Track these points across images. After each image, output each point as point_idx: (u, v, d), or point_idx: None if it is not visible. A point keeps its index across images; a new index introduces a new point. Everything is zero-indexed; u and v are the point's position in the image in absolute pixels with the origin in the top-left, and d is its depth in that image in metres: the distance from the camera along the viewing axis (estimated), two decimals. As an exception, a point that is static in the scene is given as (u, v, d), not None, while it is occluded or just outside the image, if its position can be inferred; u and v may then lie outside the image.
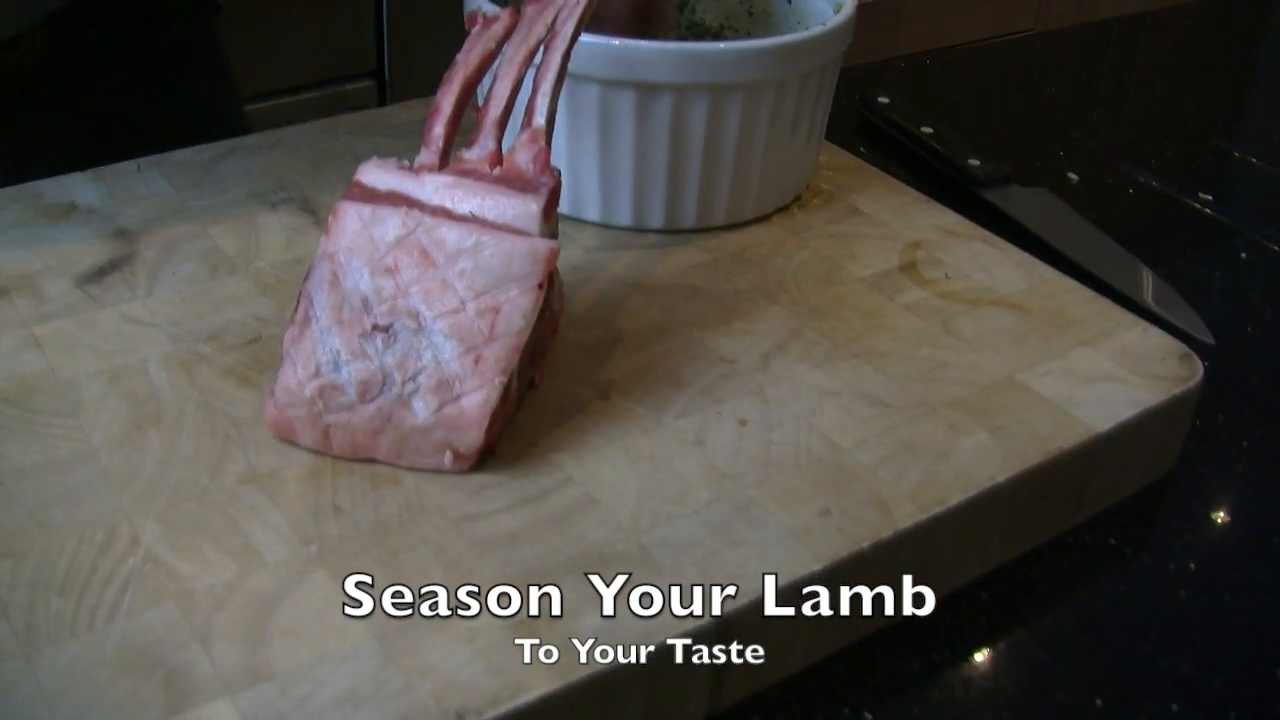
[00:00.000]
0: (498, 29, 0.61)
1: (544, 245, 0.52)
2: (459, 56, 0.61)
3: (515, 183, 0.55)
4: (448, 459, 0.51)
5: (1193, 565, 0.58)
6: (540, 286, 0.52)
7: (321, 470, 0.52)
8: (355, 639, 0.45)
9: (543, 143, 0.56)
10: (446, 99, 0.59)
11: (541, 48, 0.59)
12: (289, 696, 0.42)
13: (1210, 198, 0.88)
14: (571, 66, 0.63)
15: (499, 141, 0.57)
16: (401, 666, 0.44)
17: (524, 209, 0.53)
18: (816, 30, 0.67)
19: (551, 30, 0.59)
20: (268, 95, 1.63)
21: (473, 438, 0.51)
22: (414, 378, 0.51)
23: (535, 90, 0.58)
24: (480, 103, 0.59)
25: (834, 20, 0.69)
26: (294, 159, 0.75)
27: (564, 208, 0.70)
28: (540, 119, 0.57)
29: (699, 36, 0.78)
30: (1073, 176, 0.89)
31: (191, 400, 0.55)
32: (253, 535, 0.49)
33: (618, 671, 0.45)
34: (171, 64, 0.47)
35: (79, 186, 0.71)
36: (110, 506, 0.50)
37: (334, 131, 0.78)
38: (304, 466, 0.52)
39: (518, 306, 0.52)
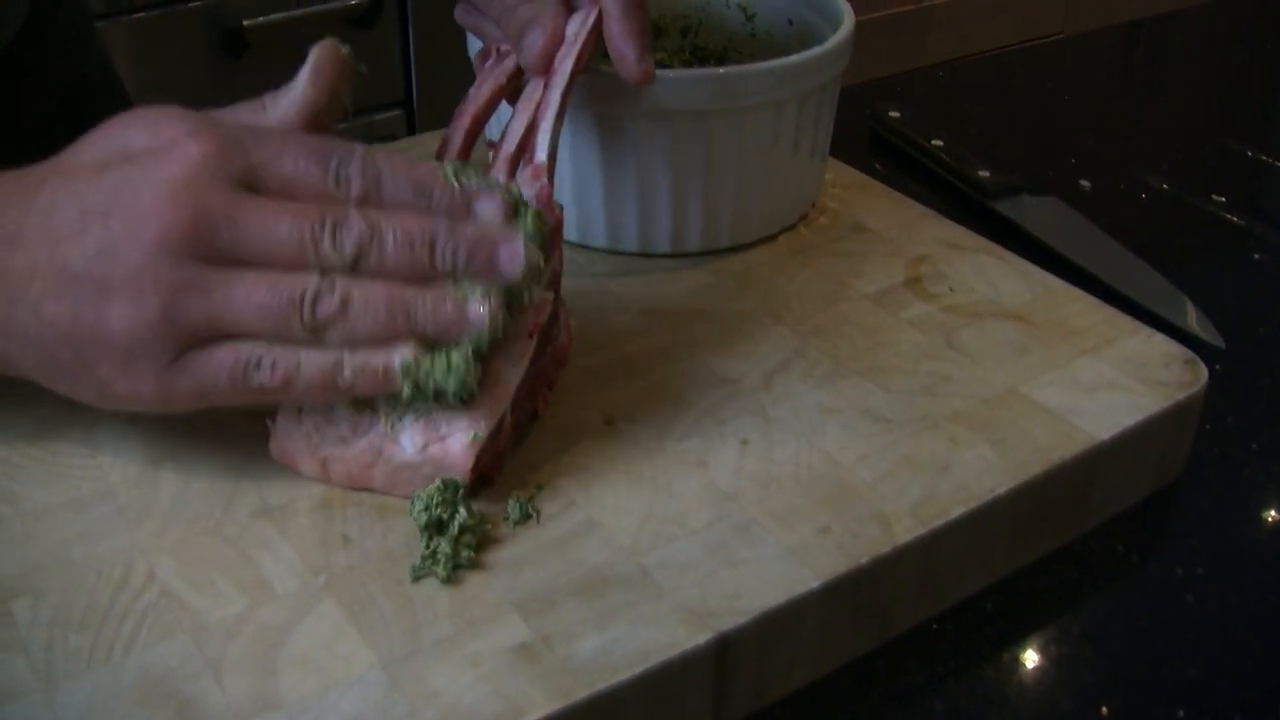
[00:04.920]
0: (509, 64, 0.63)
1: (534, 296, 0.53)
2: (470, 91, 0.62)
3: (516, 219, 0.56)
4: None
5: (1200, 570, 0.58)
6: (530, 335, 0.53)
7: (331, 502, 0.53)
8: (362, 667, 0.46)
9: (544, 179, 0.57)
10: (456, 133, 0.61)
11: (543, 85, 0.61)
12: (296, 724, 0.44)
13: (1223, 200, 0.88)
14: (574, 95, 0.64)
15: (511, 177, 0.58)
16: (406, 693, 0.45)
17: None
18: (814, 51, 0.68)
19: (550, 68, 0.61)
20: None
21: (458, 473, 0.52)
22: (401, 417, 0.52)
23: (535, 127, 0.59)
24: (495, 138, 0.60)
25: (831, 40, 0.70)
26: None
27: (572, 235, 0.71)
28: (541, 155, 0.58)
29: (702, 61, 0.79)
30: (1085, 184, 0.89)
31: (206, 438, 0.57)
32: (264, 567, 0.50)
33: (618, 692, 0.46)
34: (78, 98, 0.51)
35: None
36: (127, 543, 0.51)
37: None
38: (314, 499, 0.53)
39: (507, 353, 0.53)
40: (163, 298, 0.48)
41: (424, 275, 0.50)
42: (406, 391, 0.50)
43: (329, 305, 0.49)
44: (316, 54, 0.54)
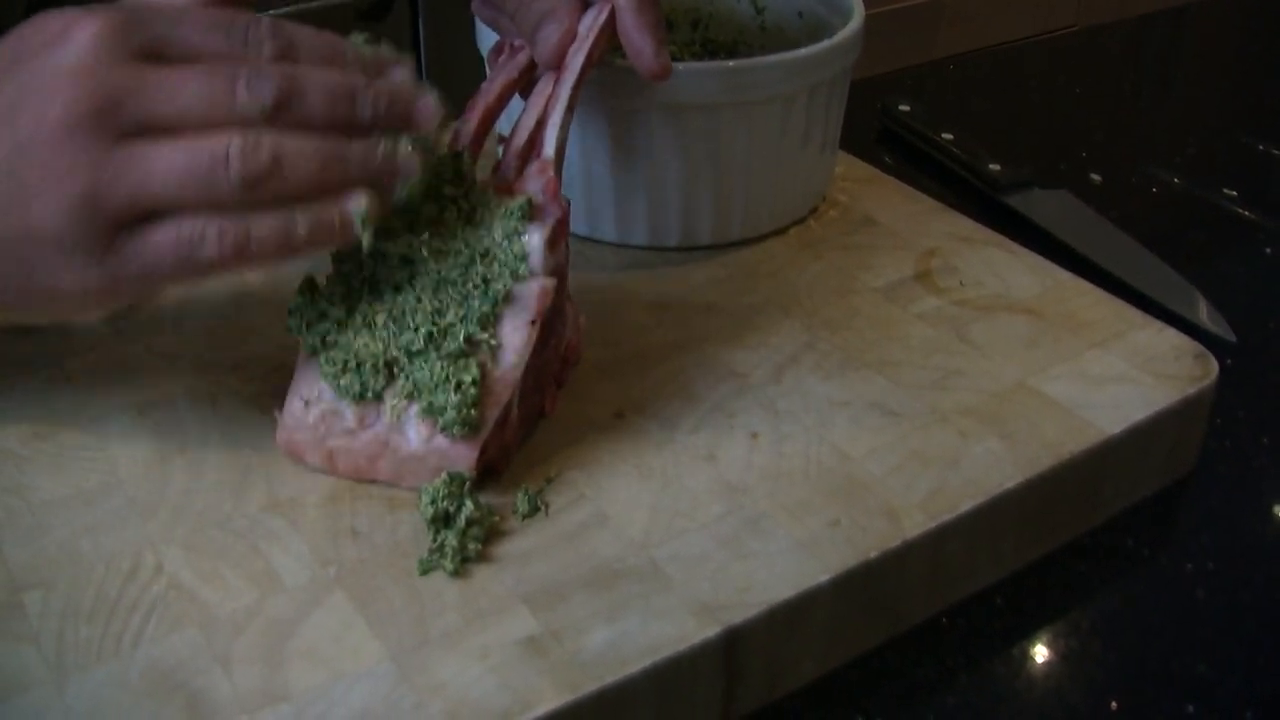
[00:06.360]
0: (522, 58, 0.62)
1: (536, 283, 0.53)
2: (482, 85, 0.62)
3: (523, 213, 0.56)
4: None
5: (1211, 565, 0.58)
6: (533, 323, 0.53)
7: (340, 495, 0.53)
8: (370, 659, 0.46)
9: (551, 173, 0.57)
10: (467, 127, 0.60)
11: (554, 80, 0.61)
12: (305, 716, 0.44)
13: (1235, 194, 0.87)
14: (584, 89, 0.64)
15: (520, 172, 0.58)
16: (414, 685, 0.45)
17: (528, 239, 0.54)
18: (824, 44, 0.68)
19: (561, 63, 0.61)
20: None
21: (464, 466, 0.52)
22: (408, 408, 0.52)
23: (544, 122, 0.59)
24: (506, 132, 0.60)
25: (841, 33, 0.69)
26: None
27: (581, 229, 0.71)
28: (549, 150, 0.58)
29: (713, 54, 0.79)
30: (1096, 177, 0.89)
31: (216, 430, 0.57)
32: (273, 560, 0.50)
33: (628, 685, 0.46)
34: None
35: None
36: (136, 535, 0.51)
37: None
38: (323, 492, 0.54)
39: (510, 344, 0.53)
40: (80, 182, 0.46)
41: (344, 128, 0.50)
42: (366, 241, 0.50)
43: (259, 159, 0.47)
44: None
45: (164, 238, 0.48)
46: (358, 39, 0.53)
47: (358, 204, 0.49)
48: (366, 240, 0.50)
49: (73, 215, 0.47)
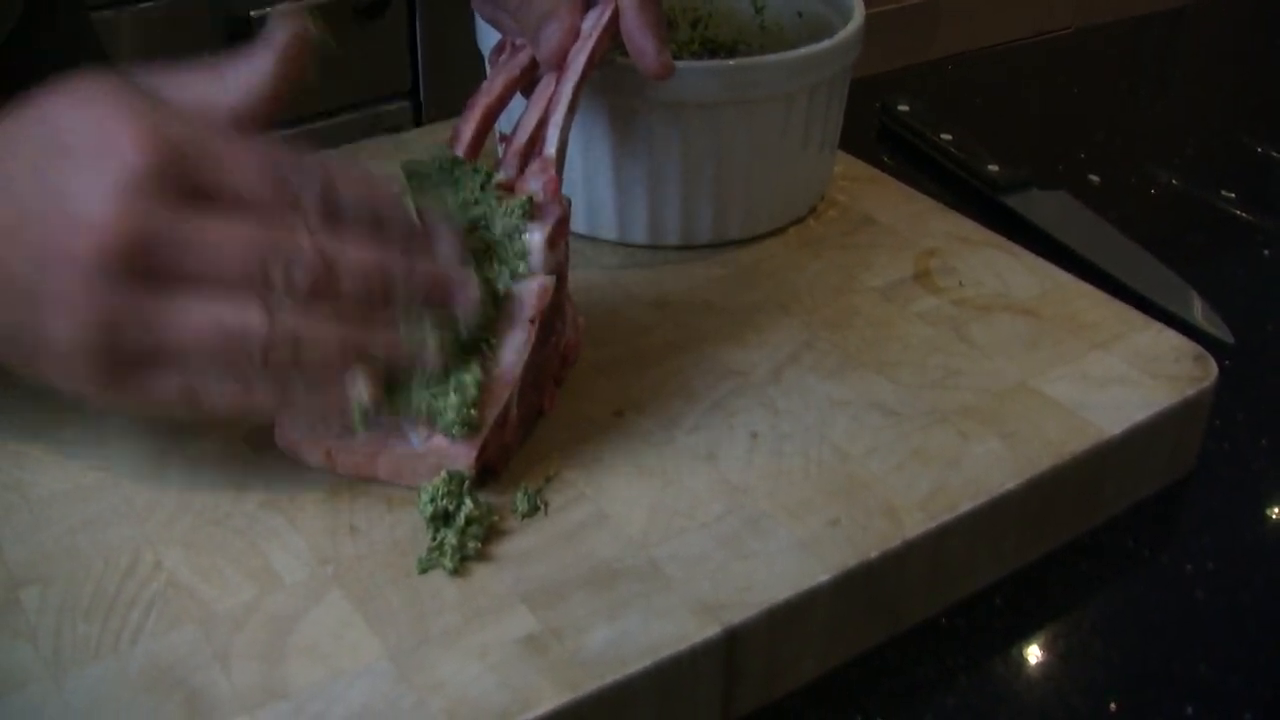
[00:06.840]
0: (523, 57, 0.62)
1: (536, 282, 0.53)
2: (483, 84, 0.62)
3: (523, 211, 0.56)
4: None
5: (1211, 565, 0.58)
6: (532, 322, 0.53)
7: (339, 493, 0.53)
8: (369, 657, 0.46)
9: (553, 172, 0.57)
10: (467, 126, 0.60)
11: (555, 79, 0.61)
12: (304, 713, 0.44)
13: (1233, 195, 0.87)
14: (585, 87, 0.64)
15: (521, 170, 0.58)
16: (414, 683, 0.45)
17: (529, 238, 0.54)
18: (824, 43, 0.68)
19: (563, 62, 0.60)
20: (303, 120, 1.65)
21: (463, 465, 0.52)
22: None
23: (546, 121, 0.59)
24: (507, 130, 0.60)
25: (841, 32, 0.69)
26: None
27: (581, 227, 0.71)
28: (551, 149, 0.58)
29: (713, 53, 0.79)
30: (1094, 178, 0.89)
31: (215, 427, 0.57)
32: (272, 557, 0.50)
33: (628, 684, 0.46)
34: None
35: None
36: (135, 532, 0.51)
37: (355, 159, 0.80)
38: (322, 490, 0.53)
39: (509, 343, 0.53)
40: (100, 322, 0.46)
41: (377, 307, 0.49)
42: (359, 424, 0.50)
43: (278, 350, 0.47)
44: (284, 40, 0.50)
45: (170, 383, 0.48)
46: (408, 198, 0.51)
47: (359, 394, 0.49)
48: (359, 423, 0.50)
49: (85, 350, 0.46)
